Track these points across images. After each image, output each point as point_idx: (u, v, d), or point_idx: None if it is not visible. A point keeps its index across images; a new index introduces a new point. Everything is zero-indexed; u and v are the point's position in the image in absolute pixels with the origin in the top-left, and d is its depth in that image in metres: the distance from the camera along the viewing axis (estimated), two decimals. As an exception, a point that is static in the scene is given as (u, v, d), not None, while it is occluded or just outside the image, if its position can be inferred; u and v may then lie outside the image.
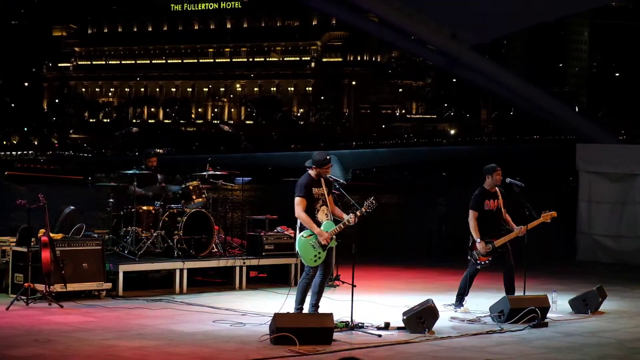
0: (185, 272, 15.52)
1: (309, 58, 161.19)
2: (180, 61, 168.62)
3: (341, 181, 12.57)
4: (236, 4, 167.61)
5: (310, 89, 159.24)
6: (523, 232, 13.70)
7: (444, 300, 14.09)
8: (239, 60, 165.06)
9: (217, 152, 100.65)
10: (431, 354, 11.02)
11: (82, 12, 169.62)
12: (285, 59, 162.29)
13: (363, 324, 12.25)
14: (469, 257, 13.82)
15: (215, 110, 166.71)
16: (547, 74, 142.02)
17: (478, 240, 13.63)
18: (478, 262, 13.73)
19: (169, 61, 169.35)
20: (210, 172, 16.73)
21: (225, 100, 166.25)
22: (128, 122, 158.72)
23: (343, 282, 16.15)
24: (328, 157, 12.32)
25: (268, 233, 16.68)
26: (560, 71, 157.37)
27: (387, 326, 12.28)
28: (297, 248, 12.24)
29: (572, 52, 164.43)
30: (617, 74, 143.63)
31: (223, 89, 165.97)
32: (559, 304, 14.24)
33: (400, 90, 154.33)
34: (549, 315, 13.34)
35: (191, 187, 16.37)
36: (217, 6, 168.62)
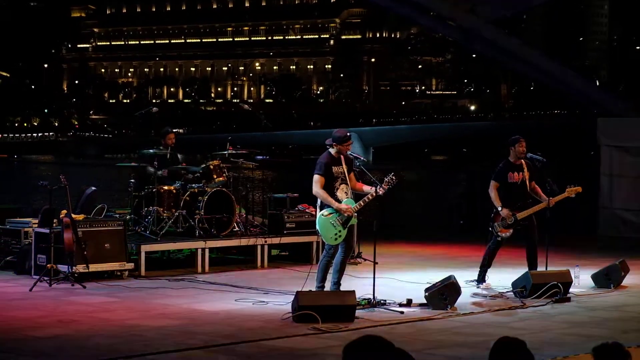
0: (207, 251, 15.55)
1: (327, 36, 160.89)
2: (199, 40, 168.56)
3: (362, 158, 12.55)
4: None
5: (329, 66, 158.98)
6: (552, 203, 13.59)
7: (466, 277, 14.08)
8: (257, 38, 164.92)
9: (237, 131, 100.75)
10: (453, 330, 11.01)
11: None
12: (304, 36, 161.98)
13: (385, 301, 12.24)
14: (489, 229, 13.73)
15: (235, 89, 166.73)
16: (567, 48, 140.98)
17: (500, 207, 13.51)
18: (499, 233, 13.63)
19: (187, 41, 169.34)
20: (231, 151, 16.72)
21: (244, 79, 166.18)
22: (148, 102, 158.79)
23: (365, 260, 16.15)
24: (348, 134, 12.30)
25: (289, 211, 16.70)
26: (580, 45, 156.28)
27: (409, 303, 12.27)
28: (317, 227, 12.23)
29: (592, 26, 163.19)
30: (638, 47, 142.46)
31: (242, 68, 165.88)
32: (582, 278, 14.18)
33: (420, 66, 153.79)
34: (571, 290, 13.30)
35: (212, 167, 16.34)
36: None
